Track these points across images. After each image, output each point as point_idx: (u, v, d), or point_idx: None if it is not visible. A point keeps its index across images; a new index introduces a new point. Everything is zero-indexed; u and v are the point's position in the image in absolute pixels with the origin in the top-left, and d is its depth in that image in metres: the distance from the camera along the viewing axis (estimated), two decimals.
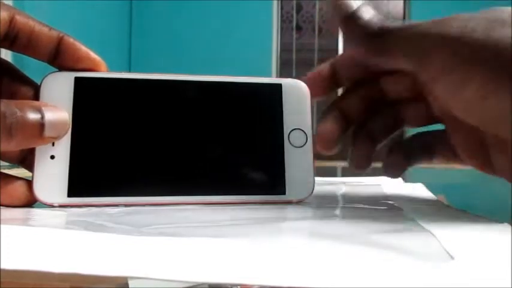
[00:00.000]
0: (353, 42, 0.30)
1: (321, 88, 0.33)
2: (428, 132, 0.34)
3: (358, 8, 0.29)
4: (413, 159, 0.34)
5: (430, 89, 0.28)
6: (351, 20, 0.29)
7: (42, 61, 0.29)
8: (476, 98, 0.25)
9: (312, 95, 0.33)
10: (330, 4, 0.30)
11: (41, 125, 0.26)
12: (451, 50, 0.25)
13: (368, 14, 0.29)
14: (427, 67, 0.26)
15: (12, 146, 0.25)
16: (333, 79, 0.33)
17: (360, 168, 0.34)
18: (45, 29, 0.28)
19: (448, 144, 0.31)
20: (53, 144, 0.28)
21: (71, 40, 0.29)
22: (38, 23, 0.28)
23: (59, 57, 0.29)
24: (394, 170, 0.34)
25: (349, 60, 0.33)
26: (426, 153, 0.34)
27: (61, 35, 0.29)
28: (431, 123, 0.33)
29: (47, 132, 0.26)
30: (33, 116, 0.26)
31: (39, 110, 0.26)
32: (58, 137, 0.28)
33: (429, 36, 0.26)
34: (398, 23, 0.28)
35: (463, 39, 0.24)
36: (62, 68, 0.30)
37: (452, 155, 0.31)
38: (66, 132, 0.28)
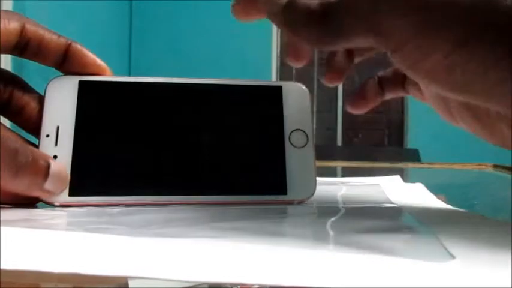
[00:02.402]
0: (297, 35, 0.26)
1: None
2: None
3: None
4: (388, 89, 0.34)
5: (389, 57, 0.25)
6: (287, 11, 0.26)
7: (50, 67, 0.30)
8: (439, 69, 0.23)
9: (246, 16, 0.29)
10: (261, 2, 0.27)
11: (45, 175, 0.27)
12: (407, 16, 0.22)
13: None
14: (382, 42, 0.24)
15: (14, 185, 0.26)
16: None
17: (331, 79, 0.31)
18: (54, 37, 0.29)
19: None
20: (56, 145, 0.29)
21: (79, 47, 0.30)
22: (47, 31, 0.29)
23: (66, 63, 0.30)
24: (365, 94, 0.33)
25: None
26: (401, 84, 0.33)
27: (69, 42, 0.30)
28: None
29: (47, 185, 0.27)
30: (41, 163, 0.26)
31: (47, 161, 0.27)
32: (53, 193, 0.27)
33: (378, 4, 0.23)
34: None
35: (426, 7, 0.22)
36: (69, 73, 0.30)
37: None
38: (62, 190, 0.28)
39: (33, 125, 0.30)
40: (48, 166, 0.27)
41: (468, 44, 0.22)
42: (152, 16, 3.61)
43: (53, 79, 0.30)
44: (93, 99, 0.30)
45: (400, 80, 0.34)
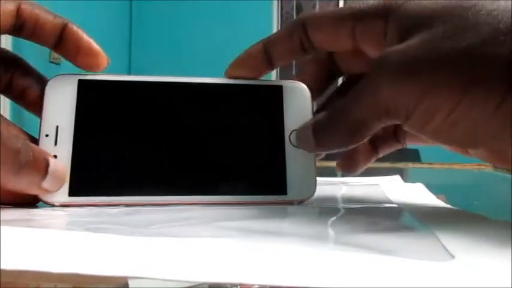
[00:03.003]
0: (330, 149, 0.29)
1: (250, 68, 0.32)
2: None
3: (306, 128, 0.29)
4: (381, 146, 0.34)
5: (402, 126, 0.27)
6: (315, 138, 0.29)
7: (47, 47, 0.30)
8: (445, 126, 0.23)
9: (243, 75, 0.32)
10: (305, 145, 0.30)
11: (43, 175, 0.27)
12: (407, 87, 0.24)
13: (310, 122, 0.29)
14: (395, 118, 0.25)
15: (13, 184, 0.26)
16: (264, 60, 0.32)
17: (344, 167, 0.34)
18: (50, 17, 0.29)
19: None
20: (55, 144, 0.29)
21: (74, 28, 0.29)
22: (43, 11, 0.29)
23: (61, 45, 0.29)
24: (357, 162, 0.34)
25: (285, 41, 0.31)
26: (393, 137, 0.34)
27: (65, 22, 0.29)
28: None
29: (45, 184, 0.27)
30: (42, 163, 0.26)
31: (47, 161, 0.27)
32: (50, 192, 0.27)
33: (379, 87, 0.25)
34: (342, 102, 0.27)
35: (426, 67, 0.23)
36: (64, 55, 0.30)
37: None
38: (58, 189, 0.28)
39: (36, 106, 0.30)
40: (47, 165, 0.27)
41: (466, 97, 0.22)
42: (152, 16, 3.61)
43: (52, 78, 0.30)
44: (92, 98, 0.30)
45: (391, 134, 0.35)
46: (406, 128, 0.25)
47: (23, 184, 0.26)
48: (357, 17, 0.28)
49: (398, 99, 0.24)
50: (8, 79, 0.29)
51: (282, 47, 0.31)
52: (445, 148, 0.29)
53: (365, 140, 0.28)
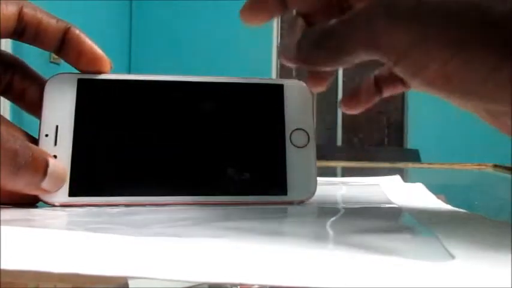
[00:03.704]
0: (308, 62, 0.28)
1: (263, 10, 0.30)
2: None
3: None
4: (385, 86, 0.33)
5: (391, 68, 0.26)
6: (298, 45, 0.27)
7: (50, 52, 0.30)
8: (437, 78, 0.23)
9: (252, 18, 0.30)
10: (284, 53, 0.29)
11: (43, 175, 0.26)
12: (403, 28, 0.23)
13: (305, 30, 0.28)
14: (383, 55, 0.24)
15: (13, 184, 0.26)
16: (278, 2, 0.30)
17: (346, 104, 0.33)
18: (52, 21, 0.29)
19: None
20: (55, 144, 0.29)
21: (77, 32, 0.29)
22: (46, 14, 0.29)
23: (63, 49, 0.29)
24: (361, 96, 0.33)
25: None
26: (398, 79, 0.32)
27: (68, 26, 0.29)
28: None
29: (44, 184, 0.27)
30: (41, 164, 0.26)
31: (46, 161, 0.27)
32: (50, 192, 0.27)
33: (375, 19, 0.24)
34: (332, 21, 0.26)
35: (421, 16, 0.22)
36: (67, 60, 0.30)
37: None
38: (58, 188, 0.28)
39: (35, 108, 0.30)
40: (46, 165, 0.27)
41: (465, 49, 0.22)
42: (152, 16, 3.61)
43: (51, 77, 0.30)
44: (92, 98, 0.30)
45: (398, 76, 0.34)
46: (396, 71, 0.25)
47: (22, 185, 0.26)
48: None
49: (391, 38, 0.23)
50: (7, 80, 0.29)
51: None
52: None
53: (348, 65, 0.27)
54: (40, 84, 0.30)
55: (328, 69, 0.28)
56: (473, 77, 0.22)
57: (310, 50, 0.27)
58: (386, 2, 0.24)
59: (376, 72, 0.34)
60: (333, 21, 0.26)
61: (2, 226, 0.19)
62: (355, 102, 0.33)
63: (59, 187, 0.28)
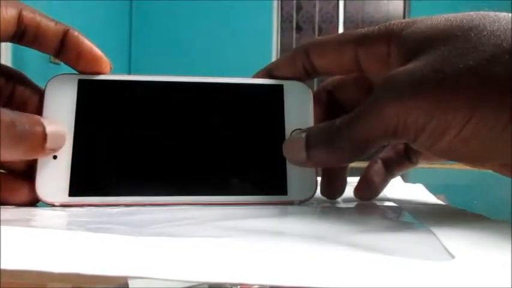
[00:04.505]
0: (331, 164, 0.30)
1: None
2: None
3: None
4: (395, 168, 0.34)
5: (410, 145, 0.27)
6: (310, 156, 0.29)
7: (49, 54, 0.30)
8: (456, 143, 0.23)
9: None
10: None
11: (44, 137, 0.27)
12: (414, 108, 0.24)
13: (303, 134, 0.29)
14: (403, 138, 0.25)
15: (19, 154, 0.26)
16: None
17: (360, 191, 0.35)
18: (51, 24, 0.29)
19: None
20: None
21: (76, 34, 0.29)
22: (44, 17, 0.29)
23: (63, 51, 0.29)
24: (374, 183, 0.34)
25: (288, 66, 0.32)
26: (405, 158, 0.34)
27: (66, 28, 0.29)
28: None
29: (48, 144, 0.27)
30: (38, 128, 0.26)
31: (42, 124, 0.27)
32: (56, 150, 0.28)
33: (386, 105, 0.25)
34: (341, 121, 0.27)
35: (434, 84, 0.23)
36: (66, 62, 0.30)
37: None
38: (62, 146, 0.28)
39: None
40: (44, 128, 0.27)
41: (475, 115, 0.22)
42: (152, 16, 3.61)
43: (52, 78, 0.30)
44: (92, 98, 0.30)
45: (402, 155, 0.35)
46: (415, 146, 0.26)
47: (26, 152, 0.26)
48: (359, 41, 0.28)
49: (406, 118, 0.24)
50: (9, 92, 0.29)
51: (285, 71, 0.32)
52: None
53: (369, 154, 0.27)
54: (40, 96, 0.30)
55: (344, 165, 0.29)
56: (488, 138, 0.22)
57: (323, 152, 0.28)
58: (391, 87, 0.25)
59: (382, 155, 0.35)
60: (339, 119, 0.27)
61: (2, 226, 0.19)
62: (369, 191, 0.34)
63: (62, 145, 0.28)
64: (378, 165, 0.34)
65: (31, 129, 0.26)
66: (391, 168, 0.35)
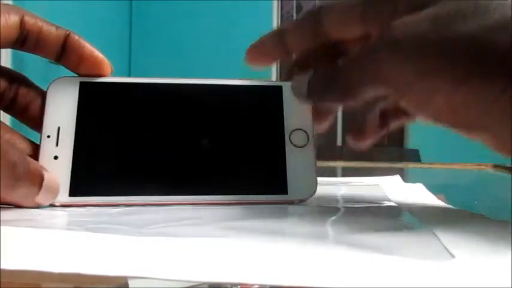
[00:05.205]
0: (319, 100, 0.30)
1: (265, 54, 0.33)
2: None
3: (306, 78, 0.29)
4: (392, 119, 0.33)
5: (397, 101, 0.27)
6: (309, 86, 0.29)
7: (51, 60, 0.30)
8: (442, 110, 0.24)
9: (255, 62, 0.32)
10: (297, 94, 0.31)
11: (39, 189, 0.26)
12: (406, 63, 0.24)
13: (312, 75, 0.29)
14: (390, 90, 0.25)
15: (11, 196, 0.25)
16: (278, 46, 0.32)
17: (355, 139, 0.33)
18: (52, 28, 0.29)
19: None
20: (57, 145, 0.29)
21: (76, 38, 0.29)
22: (45, 22, 0.29)
23: (64, 55, 0.29)
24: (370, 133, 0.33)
25: (299, 28, 0.31)
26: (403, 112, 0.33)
27: (67, 32, 0.29)
28: None
29: (39, 198, 0.26)
30: (37, 177, 0.26)
31: (42, 174, 0.26)
32: (42, 204, 0.27)
33: (378, 55, 0.25)
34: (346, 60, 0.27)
35: (423, 49, 0.23)
36: (67, 66, 0.30)
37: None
38: (50, 202, 0.27)
39: (37, 123, 0.30)
40: (42, 178, 0.26)
41: (467, 82, 0.22)
42: (152, 16, 3.61)
43: (54, 80, 0.30)
44: (94, 100, 0.30)
45: (400, 107, 0.34)
46: (403, 104, 0.25)
47: (18, 197, 0.26)
48: (367, 2, 0.28)
49: (398, 73, 0.24)
50: (11, 96, 0.29)
51: (295, 33, 0.31)
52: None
53: (357, 102, 0.27)
54: (43, 99, 0.30)
55: (339, 106, 0.30)
56: (477, 108, 0.22)
57: (320, 91, 0.29)
58: (388, 38, 0.24)
59: (381, 105, 0.34)
60: (341, 61, 0.28)
61: (2, 226, 0.19)
62: (360, 137, 0.34)
63: (51, 201, 0.27)
64: (373, 114, 0.34)
65: (29, 176, 0.26)
66: (387, 119, 0.34)
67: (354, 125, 0.34)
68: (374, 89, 0.26)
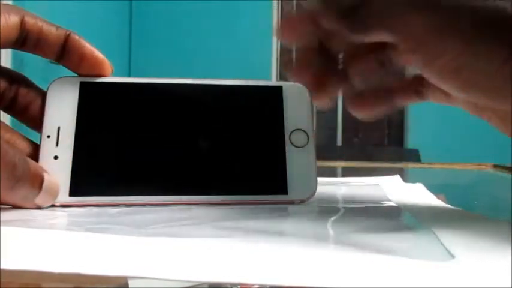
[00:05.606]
0: (329, 22, 0.28)
1: (297, 32, 0.30)
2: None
3: None
4: (399, 96, 0.32)
5: (407, 59, 0.27)
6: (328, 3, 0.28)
7: (51, 60, 0.30)
8: (449, 69, 0.24)
9: (287, 38, 0.30)
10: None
11: (38, 191, 0.26)
12: (426, 19, 0.24)
13: None
14: (400, 40, 0.25)
15: (10, 197, 0.25)
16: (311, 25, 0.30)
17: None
18: (52, 28, 0.29)
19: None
20: (57, 145, 0.29)
21: (77, 38, 0.29)
22: (45, 22, 0.29)
23: (65, 55, 0.29)
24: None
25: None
26: (412, 89, 0.32)
27: (68, 33, 0.29)
28: None
29: (38, 199, 0.26)
30: (37, 179, 0.26)
31: (42, 176, 0.26)
32: (42, 207, 0.27)
33: (405, 7, 0.25)
34: None
35: (437, 7, 0.24)
36: (67, 66, 0.30)
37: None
38: (49, 204, 0.27)
39: (37, 123, 0.30)
40: (42, 180, 0.26)
41: (475, 45, 0.23)
42: (152, 16, 3.61)
43: (54, 80, 0.30)
44: (94, 100, 0.30)
45: (412, 86, 0.33)
46: (410, 58, 0.26)
47: (17, 198, 0.26)
48: None
49: (410, 25, 0.24)
50: (12, 96, 0.29)
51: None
52: (469, 112, 0.29)
53: (364, 40, 0.27)
54: (43, 99, 0.30)
55: (349, 36, 0.27)
56: (483, 71, 0.23)
57: (336, 17, 0.27)
58: None
59: (389, 80, 0.33)
60: None
61: (2, 226, 0.19)
62: (360, 103, 0.32)
63: (50, 203, 0.27)
64: (378, 88, 0.33)
65: (29, 178, 0.26)
66: (394, 94, 0.32)
67: (355, 91, 0.32)
68: (385, 35, 0.26)
